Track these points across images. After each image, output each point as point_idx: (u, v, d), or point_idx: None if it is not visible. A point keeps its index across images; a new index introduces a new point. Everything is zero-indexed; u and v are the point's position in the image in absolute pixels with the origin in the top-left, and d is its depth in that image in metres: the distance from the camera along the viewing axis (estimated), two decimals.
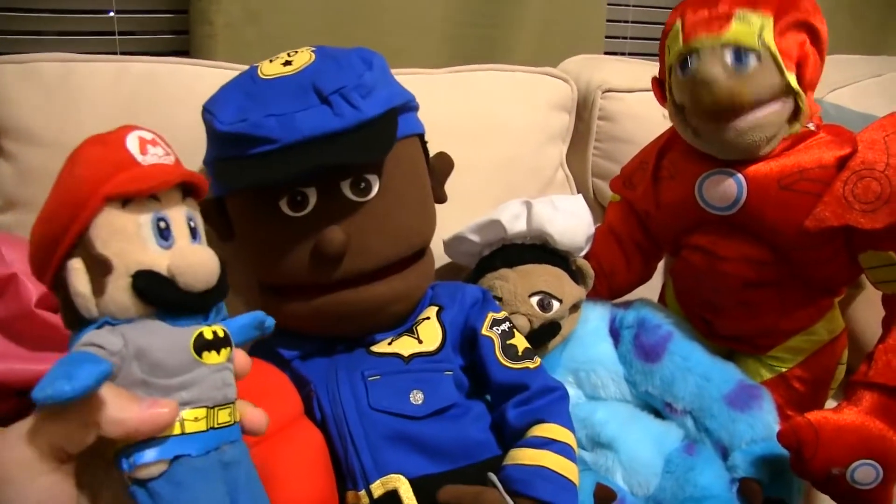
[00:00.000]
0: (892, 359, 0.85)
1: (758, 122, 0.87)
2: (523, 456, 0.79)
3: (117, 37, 1.32)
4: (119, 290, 0.61)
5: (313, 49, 0.88)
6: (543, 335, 0.99)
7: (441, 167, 0.99)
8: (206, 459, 0.58)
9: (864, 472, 0.83)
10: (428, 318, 0.91)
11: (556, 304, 1.00)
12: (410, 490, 0.76)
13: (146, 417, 0.55)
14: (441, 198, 0.98)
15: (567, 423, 0.85)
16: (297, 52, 0.88)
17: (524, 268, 1.02)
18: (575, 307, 1.04)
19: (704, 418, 0.94)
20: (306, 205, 0.82)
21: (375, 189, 0.84)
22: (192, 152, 1.00)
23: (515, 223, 1.03)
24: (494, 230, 1.04)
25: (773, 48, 0.86)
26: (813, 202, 0.88)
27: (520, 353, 0.89)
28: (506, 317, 0.93)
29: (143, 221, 0.65)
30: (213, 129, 0.83)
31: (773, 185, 0.90)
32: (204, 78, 1.05)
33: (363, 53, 0.88)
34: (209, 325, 0.64)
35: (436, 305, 0.93)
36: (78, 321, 0.62)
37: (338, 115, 0.80)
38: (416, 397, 0.82)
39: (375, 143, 0.81)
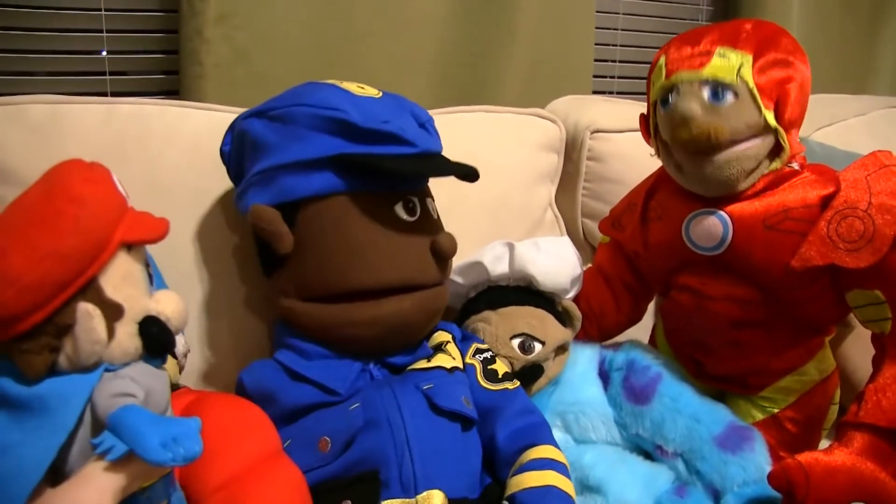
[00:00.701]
0: (882, 399, 0.85)
1: (735, 155, 0.88)
2: (530, 479, 0.81)
3: (108, 77, 1.33)
4: (127, 336, 0.62)
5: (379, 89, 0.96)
6: (525, 378, 0.98)
7: None
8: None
9: None
10: (448, 340, 0.96)
11: (538, 347, 0.99)
12: None
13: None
14: None
15: (557, 446, 0.88)
16: (362, 86, 0.94)
17: (507, 310, 1.02)
18: (562, 349, 1.03)
19: (695, 460, 0.93)
20: (416, 211, 0.92)
21: (433, 212, 0.97)
22: (179, 191, 1.01)
23: (497, 265, 1.04)
24: (477, 272, 1.04)
25: (752, 85, 0.87)
26: (798, 242, 0.88)
27: (500, 376, 0.94)
28: (488, 347, 0.98)
29: (142, 267, 0.66)
30: (349, 122, 0.86)
31: (759, 224, 0.91)
32: (191, 118, 1.06)
33: (409, 101, 0.97)
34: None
35: (444, 332, 0.98)
36: (52, 369, 0.61)
37: (434, 140, 0.95)
38: (468, 402, 0.88)
39: (466, 167, 0.91)
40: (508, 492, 0.82)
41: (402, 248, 0.89)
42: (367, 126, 0.85)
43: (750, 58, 0.88)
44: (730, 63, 0.87)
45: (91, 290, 0.62)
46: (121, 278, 0.64)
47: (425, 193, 0.96)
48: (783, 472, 0.84)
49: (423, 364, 0.91)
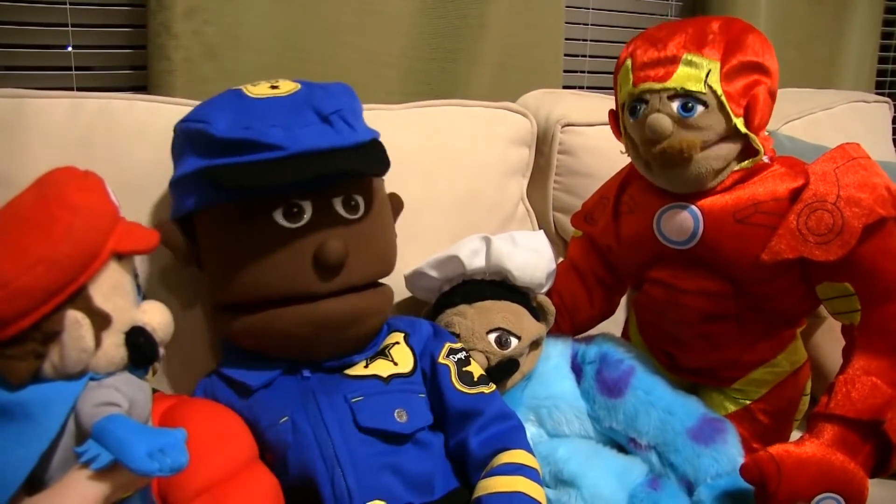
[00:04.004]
0: (852, 390, 0.86)
1: (704, 155, 0.89)
2: (498, 484, 0.80)
3: (74, 72, 1.31)
4: (114, 346, 0.62)
5: (294, 80, 0.91)
6: (501, 372, 0.98)
7: (394, 206, 1.02)
8: None
9: None
10: (397, 342, 0.93)
11: (514, 341, 0.99)
12: None
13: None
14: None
15: (530, 450, 0.87)
16: (282, 80, 0.91)
17: (483, 304, 1.02)
18: (535, 344, 1.04)
19: (669, 453, 0.94)
20: (302, 216, 0.85)
21: (362, 209, 0.89)
22: (148, 188, 1.00)
23: (474, 259, 1.03)
24: (453, 266, 1.04)
25: (720, 93, 0.87)
26: (768, 235, 0.89)
27: (475, 379, 0.92)
28: (462, 347, 0.96)
29: (131, 278, 0.66)
30: (209, 135, 0.83)
31: (729, 218, 0.91)
32: (160, 114, 1.04)
33: (345, 86, 0.93)
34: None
35: (400, 332, 0.95)
36: (36, 376, 0.61)
37: (338, 133, 0.85)
38: (401, 416, 0.85)
39: (375, 159, 0.87)
40: (475, 494, 0.81)
41: (278, 257, 0.84)
42: (225, 136, 0.82)
43: (717, 64, 0.88)
44: (697, 71, 0.88)
45: (80, 299, 0.63)
46: (110, 288, 0.65)
47: (332, 192, 0.87)
48: (755, 465, 0.85)
49: (358, 370, 0.89)
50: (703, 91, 0.87)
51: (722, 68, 0.88)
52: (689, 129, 0.87)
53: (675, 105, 0.88)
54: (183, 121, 0.88)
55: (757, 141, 0.90)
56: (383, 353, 0.92)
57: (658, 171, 0.92)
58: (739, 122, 0.88)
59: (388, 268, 0.95)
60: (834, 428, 0.86)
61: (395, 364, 0.91)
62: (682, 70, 0.88)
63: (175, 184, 0.90)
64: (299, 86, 0.89)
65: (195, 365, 0.99)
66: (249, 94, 0.87)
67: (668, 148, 0.87)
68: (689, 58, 0.88)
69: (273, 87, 0.89)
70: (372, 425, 0.82)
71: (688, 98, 0.87)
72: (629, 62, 0.93)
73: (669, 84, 0.88)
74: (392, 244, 0.97)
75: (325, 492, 0.78)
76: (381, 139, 0.93)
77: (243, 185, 0.82)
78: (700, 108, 0.87)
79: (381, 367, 0.89)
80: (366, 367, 0.89)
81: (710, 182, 0.91)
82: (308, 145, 0.82)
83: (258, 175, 0.80)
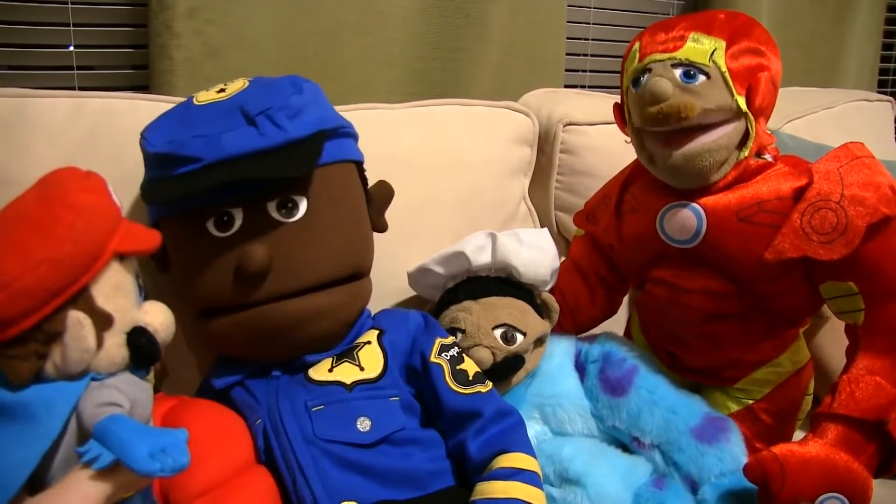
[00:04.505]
0: (856, 390, 0.86)
1: (707, 146, 0.88)
2: (493, 489, 0.80)
3: (76, 72, 1.31)
4: (116, 346, 0.62)
5: (250, 78, 0.91)
6: (507, 368, 0.98)
7: (380, 196, 1.00)
8: None
9: None
10: (368, 342, 0.91)
11: (519, 338, 0.99)
12: None
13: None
14: (380, 227, 0.99)
15: (529, 451, 0.86)
16: (233, 81, 0.90)
17: (488, 300, 1.02)
18: (539, 341, 1.03)
19: (672, 452, 0.94)
20: (232, 225, 0.84)
21: (302, 210, 0.86)
22: None
23: (480, 255, 1.03)
24: (459, 262, 1.04)
25: (724, 69, 0.87)
26: (771, 234, 0.89)
27: (470, 378, 0.90)
28: (454, 342, 0.94)
29: (133, 278, 0.66)
30: (145, 151, 0.85)
31: (732, 217, 0.91)
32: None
33: (294, 79, 0.90)
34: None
35: (376, 329, 0.93)
36: (38, 376, 0.61)
37: (262, 135, 0.82)
38: (364, 424, 0.82)
39: (299, 160, 0.83)
40: (472, 497, 0.81)
41: (211, 267, 0.84)
42: (151, 151, 0.84)
43: (723, 44, 0.88)
44: (703, 47, 0.88)
45: (82, 299, 0.63)
46: (112, 288, 0.65)
47: (266, 196, 0.84)
48: (758, 464, 0.85)
49: (322, 373, 0.87)
50: (707, 64, 0.87)
51: (727, 49, 0.88)
52: (690, 94, 0.87)
53: (678, 72, 0.88)
54: (141, 133, 0.89)
55: (754, 124, 0.89)
56: (350, 355, 0.89)
57: (661, 161, 0.91)
58: (741, 101, 0.88)
59: (348, 264, 0.90)
60: (838, 427, 0.86)
61: (361, 369, 0.88)
62: (688, 45, 0.88)
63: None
64: (247, 84, 0.89)
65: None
66: (195, 102, 0.88)
67: (665, 108, 0.86)
68: (696, 36, 0.89)
69: (220, 91, 0.88)
70: (330, 437, 0.81)
71: (691, 67, 0.87)
72: (637, 45, 0.93)
73: (676, 55, 0.88)
74: (358, 238, 0.93)
75: (291, 498, 0.79)
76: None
77: (157, 201, 0.83)
78: (702, 77, 0.87)
79: (345, 373, 0.87)
80: (330, 370, 0.88)
81: (714, 175, 0.91)
82: (227, 152, 0.80)
83: (172, 189, 0.80)
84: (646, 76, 0.90)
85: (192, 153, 0.80)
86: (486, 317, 1.00)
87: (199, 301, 0.87)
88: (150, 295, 0.73)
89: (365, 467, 0.80)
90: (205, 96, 0.88)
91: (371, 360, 0.89)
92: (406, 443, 0.85)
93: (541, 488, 0.82)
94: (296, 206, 0.85)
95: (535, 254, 1.05)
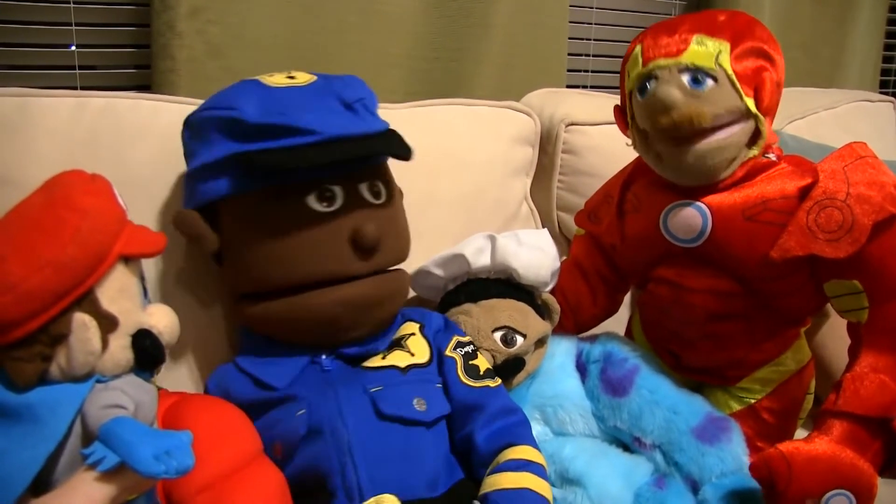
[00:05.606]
0: (860, 387, 0.86)
1: (718, 144, 0.88)
2: (504, 480, 0.81)
3: (78, 71, 1.31)
4: (120, 349, 0.63)
5: (309, 72, 0.93)
6: (507, 371, 0.98)
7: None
8: None
9: (838, 502, 0.82)
10: (413, 333, 0.94)
11: (519, 340, 0.99)
12: None
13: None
14: None
15: (536, 446, 0.87)
16: (293, 72, 0.92)
17: (488, 302, 1.02)
18: (540, 342, 1.03)
19: (673, 452, 0.94)
20: (335, 200, 0.87)
21: (384, 196, 0.92)
22: (152, 187, 1.00)
23: (479, 257, 1.03)
24: (458, 264, 1.04)
25: (730, 72, 0.87)
26: (777, 232, 0.89)
27: (481, 373, 0.93)
28: (470, 340, 0.96)
29: (137, 281, 0.67)
30: (241, 121, 0.84)
31: (738, 216, 0.91)
32: (164, 113, 1.04)
33: (359, 79, 0.95)
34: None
35: (414, 322, 0.96)
36: (43, 377, 0.61)
37: (363, 121, 0.89)
38: (420, 405, 0.85)
39: (402, 144, 0.90)
40: (482, 491, 0.82)
41: (314, 240, 0.86)
42: (259, 121, 0.84)
43: (727, 45, 0.88)
44: (708, 50, 0.88)
45: (87, 301, 0.63)
46: (117, 291, 0.65)
47: (359, 178, 0.90)
48: (764, 462, 0.85)
49: (376, 361, 0.90)
50: (714, 68, 0.87)
51: (732, 50, 0.88)
52: (700, 101, 0.86)
53: (685, 78, 0.87)
54: (203, 109, 0.90)
55: (764, 124, 0.89)
56: (399, 344, 0.93)
57: (670, 160, 0.91)
58: (750, 102, 0.88)
59: (407, 253, 0.97)
60: (843, 424, 0.86)
61: (412, 355, 0.92)
62: (693, 48, 0.88)
63: (196, 172, 0.89)
64: (315, 77, 0.91)
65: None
66: (269, 84, 0.89)
67: (677, 118, 0.86)
68: (700, 39, 0.88)
69: (290, 78, 0.90)
70: (393, 413, 0.83)
71: (698, 71, 0.87)
72: (639, 48, 0.93)
73: (681, 59, 0.88)
74: (408, 230, 0.99)
75: (335, 483, 0.79)
76: None
77: (284, 167, 0.84)
78: (710, 83, 0.87)
79: (399, 358, 0.90)
80: (383, 358, 0.90)
81: (723, 173, 0.91)
82: (339, 131, 0.85)
83: (295, 158, 0.83)
84: (651, 82, 0.89)
85: (310, 126, 0.83)
86: (485, 319, 1.00)
87: (289, 276, 0.87)
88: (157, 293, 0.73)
89: (411, 458, 0.82)
90: (276, 80, 0.90)
91: (419, 347, 0.93)
92: (440, 435, 0.88)
93: (548, 481, 0.84)
94: (380, 192, 0.92)
95: (535, 255, 1.05)
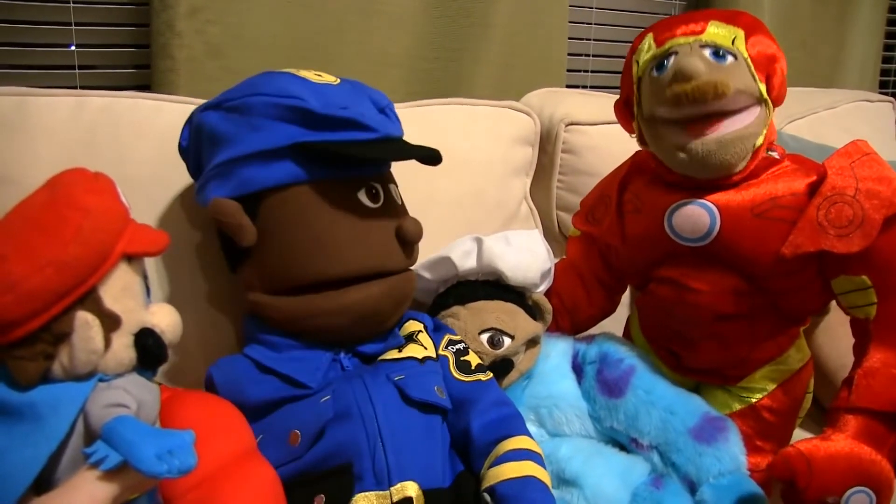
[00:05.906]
0: (873, 382, 0.87)
1: (740, 132, 0.88)
2: (508, 470, 0.82)
3: (77, 71, 1.31)
4: (123, 347, 0.63)
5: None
6: (495, 372, 0.98)
7: None
8: None
9: (859, 500, 0.83)
10: (420, 330, 0.96)
11: (507, 341, 0.99)
12: (423, 499, 0.79)
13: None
14: None
15: (531, 436, 0.88)
16: (321, 74, 0.93)
17: (476, 305, 1.02)
18: (533, 342, 1.03)
19: (670, 453, 0.94)
20: (380, 197, 0.91)
21: (400, 197, 0.97)
22: (152, 186, 1.00)
23: (466, 260, 1.03)
24: (446, 267, 1.04)
25: (745, 55, 0.88)
26: (787, 229, 0.89)
27: (473, 368, 0.94)
28: (461, 339, 0.98)
29: (140, 279, 0.67)
30: (307, 110, 0.85)
31: (747, 213, 0.91)
32: (163, 112, 1.04)
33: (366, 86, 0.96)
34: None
35: (416, 321, 0.98)
36: (45, 376, 0.62)
37: (394, 124, 0.93)
38: (441, 392, 0.88)
39: (431, 149, 0.92)
40: (487, 483, 0.82)
41: (366, 234, 0.88)
42: (325, 112, 0.84)
43: (742, 32, 0.89)
44: (725, 32, 0.89)
45: (90, 300, 0.63)
46: (120, 289, 0.65)
47: (388, 179, 0.95)
48: (784, 461, 0.85)
49: (394, 354, 0.91)
50: (732, 47, 0.88)
51: (747, 38, 0.89)
52: (722, 72, 0.86)
53: (707, 51, 0.88)
54: (250, 95, 0.87)
55: (772, 111, 0.90)
56: (413, 339, 0.94)
57: (696, 148, 0.88)
58: (763, 87, 0.88)
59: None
60: (858, 420, 0.86)
61: (425, 348, 0.93)
62: (711, 30, 0.89)
63: (243, 159, 0.86)
64: (339, 79, 0.93)
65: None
66: (309, 79, 0.89)
67: (701, 85, 0.85)
68: (717, 24, 0.89)
69: (318, 76, 0.91)
70: (421, 397, 0.85)
71: (718, 48, 0.88)
72: (650, 36, 0.93)
73: (701, 38, 0.88)
74: None
75: (363, 466, 0.79)
76: None
77: (364, 159, 0.88)
78: (730, 58, 0.87)
79: (415, 350, 0.92)
80: (399, 351, 0.92)
81: (739, 165, 0.90)
82: (390, 131, 0.90)
83: (372, 151, 0.87)
84: (671, 59, 0.89)
85: (372, 123, 0.87)
86: (472, 322, 1.00)
87: (336, 268, 0.87)
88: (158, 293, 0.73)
89: (427, 448, 0.84)
90: (309, 76, 0.90)
91: (429, 343, 0.95)
92: (441, 430, 0.89)
93: (546, 470, 0.85)
94: (399, 194, 0.96)
95: (524, 256, 1.05)
